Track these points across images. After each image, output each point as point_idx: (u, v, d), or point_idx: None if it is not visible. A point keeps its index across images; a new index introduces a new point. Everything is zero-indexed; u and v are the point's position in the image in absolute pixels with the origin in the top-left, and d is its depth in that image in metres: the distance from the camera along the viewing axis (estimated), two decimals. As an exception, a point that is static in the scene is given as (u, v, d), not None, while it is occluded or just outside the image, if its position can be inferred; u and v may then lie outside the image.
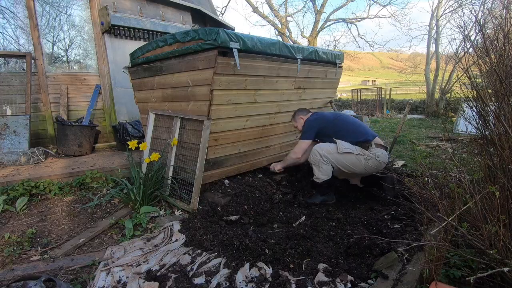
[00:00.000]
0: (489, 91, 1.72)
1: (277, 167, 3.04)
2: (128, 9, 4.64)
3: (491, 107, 1.66)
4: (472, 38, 1.89)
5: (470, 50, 1.91)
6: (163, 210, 2.51)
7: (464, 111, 2.26)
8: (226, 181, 2.89)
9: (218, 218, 2.35)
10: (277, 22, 16.90)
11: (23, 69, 4.10)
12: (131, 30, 4.61)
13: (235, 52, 2.28)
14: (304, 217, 2.43)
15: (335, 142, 2.57)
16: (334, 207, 2.63)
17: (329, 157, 2.54)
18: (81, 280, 1.68)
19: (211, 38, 2.25)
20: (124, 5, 4.61)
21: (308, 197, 2.81)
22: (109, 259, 1.85)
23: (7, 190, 2.69)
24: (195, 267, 1.72)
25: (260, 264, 1.74)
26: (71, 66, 4.60)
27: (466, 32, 1.92)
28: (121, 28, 4.48)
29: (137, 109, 3.54)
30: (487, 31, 2.01)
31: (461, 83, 1.95)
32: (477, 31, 1.75)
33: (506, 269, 1.15)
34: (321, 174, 2.59)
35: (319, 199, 2.70)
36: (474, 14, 1.86)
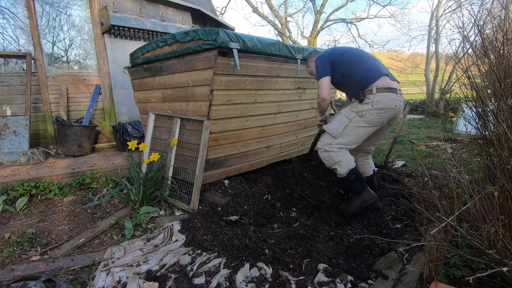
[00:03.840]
0: (489, 91, 1.72)
1: (319, 119, 2.62)
2: (128, 9, 4.64)
3: (490, 107, 1.67)
4: (471, 38, 1.89)
5: (470, 50, 1.91)
6: (163, 210, 2.52)
7: (463, 111, 2.25)
8: (226, 181, 2.89)
9: (218, 218, 2.35)
10: (277, 22, 16.89)
11: (23, 69, 4.10)
12: (131, 30, 4.61)
13: (235, 52, 2.28)
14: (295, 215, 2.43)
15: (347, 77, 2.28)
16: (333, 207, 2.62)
17: (333, 144, 2.25)
18: (81, 280, 1.68)
19: (211, 38, 2.25)
20: (124, 5, 4.61)
21: (343, 206, 2.41)
22: (109, 259, 1.85)
23: (7, 190, 2.69)
24: (195, 267, 1.72)
25: (260, 264, 1.74)
26: (71, 66, 4.60)
27: (465, 33, 1.92)
28: (121, 28, 4.48)
29: (137, 109, 3.54)
30: (486, 31, 2.02)
31: (460, 84, 1.95)
32: (476, 31, 1.75)
33: (505, 268, 1.15)
34: (342, 167, 2.23)
35: (358, 201, 2.26)
36: (473, 15, 1.87)
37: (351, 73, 2.30)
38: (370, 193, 2.29)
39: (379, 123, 2.23)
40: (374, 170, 2.62)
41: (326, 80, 2.35)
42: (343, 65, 2.33)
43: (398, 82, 2.33)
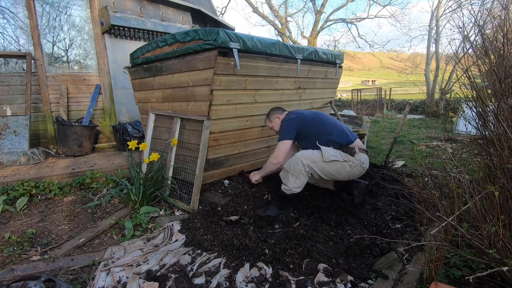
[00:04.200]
0: (489, 91, 1.72)
1: (254, 177, 2.67)
2: (128, 9, 4.64)
3: (491, 107, 1.67)
4: (472, 38, 1.89)
5: (470, 50, 1.91)
6: (163, 210, 2.52)
7: (464, 111, 2.25)
8: (226, 181, 2.89)
9: (218, 218, 2.35)
10: (277, 22, 16.91)
11: (23, 69, 4.10)
12: (131, 30, 4.61)
13: (235, 52, 2.28)
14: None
15: (318, 148, 2.33)
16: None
17: (312, 166, 2.27)
18: (81, 280, 1.68)
19: (211, 38, 2.25)
20: (124, 5, 4.61)
21: (260, 209, 2.49)
22: (109, 259, 1.85)
23: (7, 190, 2.69)
24: (195, 267, 1.72)
25: (260, 264, 1.74)
26: (71, 66, 4.60)
27: (466, 33, 1.92)
28: (121, 28, 4.48)
29: (137, 109, 3.54)
30: (487, 31, 2.02)
31: (460, 84, 1.95)
32: (476, 31, 1.75)
33: (505, 268, 1.15)
34: (295, 185, 2.29)
35: (276, 212, 2.41)
36: (473, 15, 1.86)
37: (319, 133, 2.40)
38: (288, 211, 2.48)
39: (356, 176, 2.42)
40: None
41: (286, 146, 2.42)
42: (313, 130, 2.42)
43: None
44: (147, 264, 1.77)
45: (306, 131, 2.43)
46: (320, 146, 2.33)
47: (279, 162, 2.45)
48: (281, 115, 2.58)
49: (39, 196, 2.78)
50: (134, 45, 4.19)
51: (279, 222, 2.39)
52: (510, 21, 1.82)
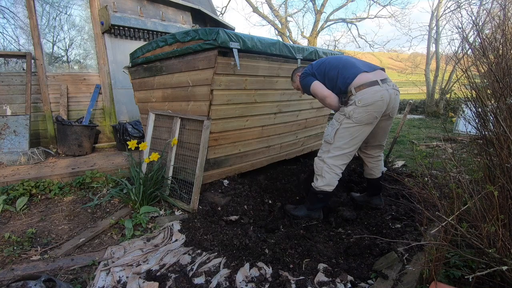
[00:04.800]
0: (488, 91, 1.72)
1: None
2: (128, 9, 4.64)
3: (490, 107, 1.67)
4: (471, 39, 1.90)
5: (469, 51, 1.91)
6: (163, 210, 2.52)
7: (463, 112, 2.24)
8: (226, 181, 2.89)
9: (218, 218, 2.35)
10: (277, 22, 16.89)
11: (23, 69, 4.10)
12: (131, 30, 4.61)
13: (235, 52, 2.28)
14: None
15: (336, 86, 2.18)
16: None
17: (330, 156, 2.20)
18: (81, 280, 1.68)
19: (211, 38, 2.25)
20: (124, 5, 4.61)
21: (290, 206, 2.50)
22: (109, 259, 1.85)
23: (7, 190, 2.69)
24: (195, 267, 1.72)
25: (260, 264, 1.74)
26: (71, 66, 4.60)
27: (464, 34, 1.92)
28: (121, 28, 4.48)
29: (137, 109, 3.54)
30: (486, 31, 2.02)
31: (460, 84, 1.95)
32: (475, 32, 1.75)
33: (504, 267, 1.15)
34: (322, 183, 2.25)
35: (303, 213, 2.37)
36: (472, 16, 1.87)
37: (329, 82, 2.24)
38: (319, 214, 2.40)
39: (370, 119, 2.12)
40: (382, 172, 2.58)
41: (317, 83, 2.26)
42: (323, 76, 2.28)
43: (383, 69, 2.25)
44: (147, 264, 1.77)
45: (319, 74, 2.28)
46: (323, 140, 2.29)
47: (327, 96, 2.22)
48: (301, 72, 2.45)
49: (39, 196, 2.78)
50: (134, 45, 4.19)
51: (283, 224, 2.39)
52: (509, 21, 1.83)
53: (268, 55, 2.65)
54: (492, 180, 1.58)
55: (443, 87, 10.27)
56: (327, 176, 2.23)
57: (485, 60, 1.68)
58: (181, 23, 5.25)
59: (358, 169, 3.48)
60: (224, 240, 1.98)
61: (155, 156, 2.59)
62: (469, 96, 1.83)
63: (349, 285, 1.59)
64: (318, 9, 15.79)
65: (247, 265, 1.73)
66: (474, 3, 7.98)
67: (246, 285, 1.58)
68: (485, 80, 1.77)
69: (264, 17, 16.74)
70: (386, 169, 2.66)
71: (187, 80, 2.60)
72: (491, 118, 1.66)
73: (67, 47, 4.54)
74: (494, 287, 1.42)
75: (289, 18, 17.02)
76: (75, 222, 2.41)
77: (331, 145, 2.21)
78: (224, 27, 4.17)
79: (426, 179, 1.71)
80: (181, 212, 2.49)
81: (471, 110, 1.82)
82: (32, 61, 4.06)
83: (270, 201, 2.76)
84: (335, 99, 2.23)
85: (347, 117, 2.12)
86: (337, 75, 2.18)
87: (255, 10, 16.31)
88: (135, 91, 3.40)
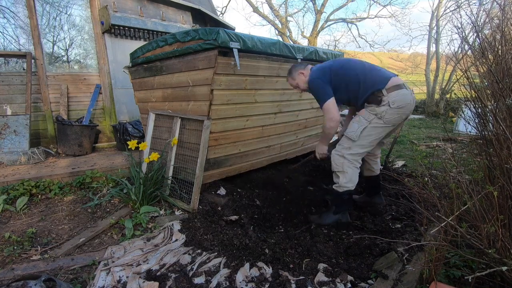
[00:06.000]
0: (488, 91, 1.72)
1: (322, 151, 2.44)
2: (128, 9, 4.64)
3: (490, 107, 1.67)
4: (470, 40, 1.90)
5: (469, 51, 1.91)
6: (163, 210, 2.52)
7: (463, 112, 2.24)
8: (223, 190, 2.89)
9: (218, 218, 2.35)
10: (277, 22, 16.88)
11: (24, 69, 4.10)
12: (132, 29, 4.61)
13: (235, 52, 2.28)
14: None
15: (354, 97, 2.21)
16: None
17: (351, 153, 2.19)
18: (81, 279, 1.68)
19: (211, 38, 2.25)
20: (125, 5, 4.61)
21: (315, 216, 2.41)
22: (109, 258, 1.86)
23: (7, 190, 2.69)
24: (195, 267, 1.72)
25: (260, 264, 1.74)
26: (71, 66, 4.60)
27: (464, 34, 1.92)
28: (121, 27, 4.48)
29: (137, 108, 3.54)
30: (485, 31, 2.02)
31: (460, 84, 1.95)
32: (474, 32, 1.75)
33: (504, 268, 1.15)
34: (345, 180, 2.20)
35: (332, 219, 2.28)
36: (471, 16, 1.87)
37: (356, 84, 2.22)
38: (347, 217, 2.33)
39: (399, 120, 2.18)
40: (380, 169, 2.62)
41: (331, 103, 2.20)
42: (344, 80, 2.24)
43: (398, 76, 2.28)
44: (147, 263, 1.78)
45: (336, 84, 2.25)
46: (345, 134, 2.24)
47: (336, 120, 2.22)
48: (305, 70, 2.38)
49: (39, 196, 2.78)
50: (134, 44, 4.18)
51: (281, 224, 2.39)
52: (507, 22, 1.83)
53: (268, 55, 2.64)
54: (492, 180, 1.58)
55: (443, 87, 10.27)
56: (349, 170, 2.21)
57: (484, 60, 1.68)
58: (181, 23, 5.25)
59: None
60: (224, 240, 1.99)
61: (155, 156, 2.59)
62: (469, 96, 1.83)
63: (349, 285, 1.59)
64: (318, 9, 15.79)
65: (247, 265, 1.73)
66: (473, 3, 7.98)
67: (246, 285, 1.58)
68: (485, 81, 1.77)
69: (264, 17, 16.73)
70: (382, 166, 2.65)
71: (187, 80, 2.60)
72: (491, 118, 1.66)
73: (67, 47, 4.54)
74: (494, 287, 1.43)
75: (289, 18, 17.01)
76: (75, 222, 2.41)
77: (355, 142, 2.20)
78: (224, 27, 4.17)
79: (426, 179, 1.71)
80: (181, 212, 2.49)
81: (471, 110, 1.83)
82: (32, 61, 4.06)
83: (259, 203, 2.76)
84: (336, 128, 2.28)
85: (379, 117, 2.13)
86: (364, 78, 2.19)
87: (255, 10, 16.30)
88: (135, 91, 3.40)
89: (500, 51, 1.65)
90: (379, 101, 2.13)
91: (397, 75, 2.26)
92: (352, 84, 2.22)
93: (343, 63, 2.32)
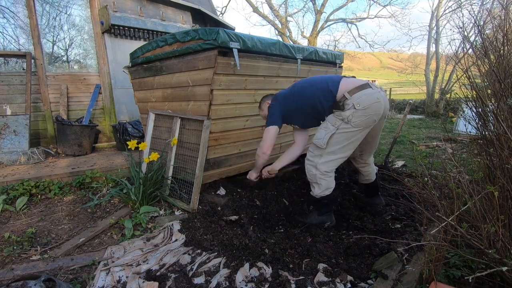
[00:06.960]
0: (489, 91, 1.72)
1: (252, 176, 2.57)
2: (128, 9, 4.64)
3: (490, 107, 1.67)
4: (471, 39, 1.89)
5: (470, 51, 1.91)
6: (163, 210, 2.52)
7: (463, 112, 2.24)
8: (222, 190, 2.88)
9: (218, 218, 2.35)
10: (277, 22, 16.89)
11: (23, 69, 4.10)
12: (131, 29, 4.61)
13: (235, 52, 2.28)
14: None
15: (315, 121, 2.17)
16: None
17: (323, 162, 2.10)
18: (81, 279, 1.68)
19: (211, 38, 2.25)
20: (124, 5, 4.61)
21: (303, 216, 2.44)
22: (109, 258, 1.85)
23: (7, 190, 2.69)
24: (195, 267, 1.72)
25: (260, 264, 1.74)
26: (71, 66, 4.60)
27: (465, 33, 1.92)
28: (121, 27, 4.48)
29: (137, 108, 3.54)
30: (487, 31, 2.02)
31: (460, 84, 1.95)
32: (476, 32, 1.75)
33: (504, 268, 1.15)
34: (320, 190, 2.16)
35: (316, 220, 2.28)
36: (473, 15, 1.86)
37: (310, 98, 2.17)
38: (330, 218, 2.29)
39: (369, 123, 2.05)
40: (376, 174, 2.57)
41: (270, 133, 2.23)
42: (297, 101, 2.22)
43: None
44: (147, 263, 1.77)
45: (291, 109, 2.23)
46: (313, 142, 2.17)
47: (264, 153, 2.28)
48: (270, 101, 2.38)
49: (39, 196, 2.78)
50: (134, 44, 4.19)
51: (281, 224, 2.39)
52: (510, 21, 1.82)
53: (268, 55, 2.64)
54: (492, 180, 1.58)
55: (443, 87, 10.27)
56: (323, 182, 2.14)
57: (486, 60, 1.67)
58: (181, 23, 5.25)
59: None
60: (224, 240, 1.98)
61: (155, 156, 2.59)
62: (469, 96, 1.83)
63: (349, 285, 1.59)
64: (318, 9, 15.79)
65: (247, 265, 1.73)
66: (475, 3, 7.98)
67: (246, 285, 1.58)
68: (486, 80, 1.76)
69: (264, 17, 16.74)
70: (377, 168, 2.64)
71: (187, 80, 2.60)
72: (492, 118, 1.66)
73: (67, 47, 4.54)
74: (494, 287, 1.42)
75: (289, 18, 17.03)
76: (75, 222, 2.41)
77: (324, 150, 2.10)
78: (224, 27, 4.17)
79: (426, 179, 1.71)
80: (181, 212, 2.49)
81: (471, 110, 1.82)
82: (32, 60, 4.06)
83: (259, 203, 2.76)
84: (264, 160, 2.34)
85: (346, 122, 2.01)
86: (315, 89, 2.14)
87: (255, 10, 16.31)
88: (135, 91, 3.39)
89: (502, 51, 1.65)
90: (343, 106, 2.02)
91: (354, 76, 2.21)
92: (310, 106, 2.17)
93: (295, 84, 2.31)
